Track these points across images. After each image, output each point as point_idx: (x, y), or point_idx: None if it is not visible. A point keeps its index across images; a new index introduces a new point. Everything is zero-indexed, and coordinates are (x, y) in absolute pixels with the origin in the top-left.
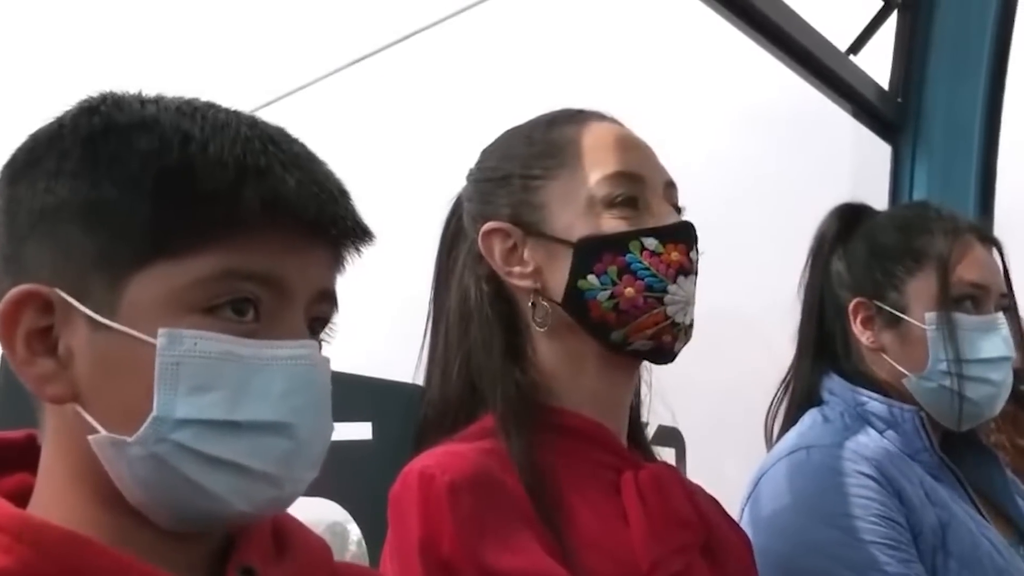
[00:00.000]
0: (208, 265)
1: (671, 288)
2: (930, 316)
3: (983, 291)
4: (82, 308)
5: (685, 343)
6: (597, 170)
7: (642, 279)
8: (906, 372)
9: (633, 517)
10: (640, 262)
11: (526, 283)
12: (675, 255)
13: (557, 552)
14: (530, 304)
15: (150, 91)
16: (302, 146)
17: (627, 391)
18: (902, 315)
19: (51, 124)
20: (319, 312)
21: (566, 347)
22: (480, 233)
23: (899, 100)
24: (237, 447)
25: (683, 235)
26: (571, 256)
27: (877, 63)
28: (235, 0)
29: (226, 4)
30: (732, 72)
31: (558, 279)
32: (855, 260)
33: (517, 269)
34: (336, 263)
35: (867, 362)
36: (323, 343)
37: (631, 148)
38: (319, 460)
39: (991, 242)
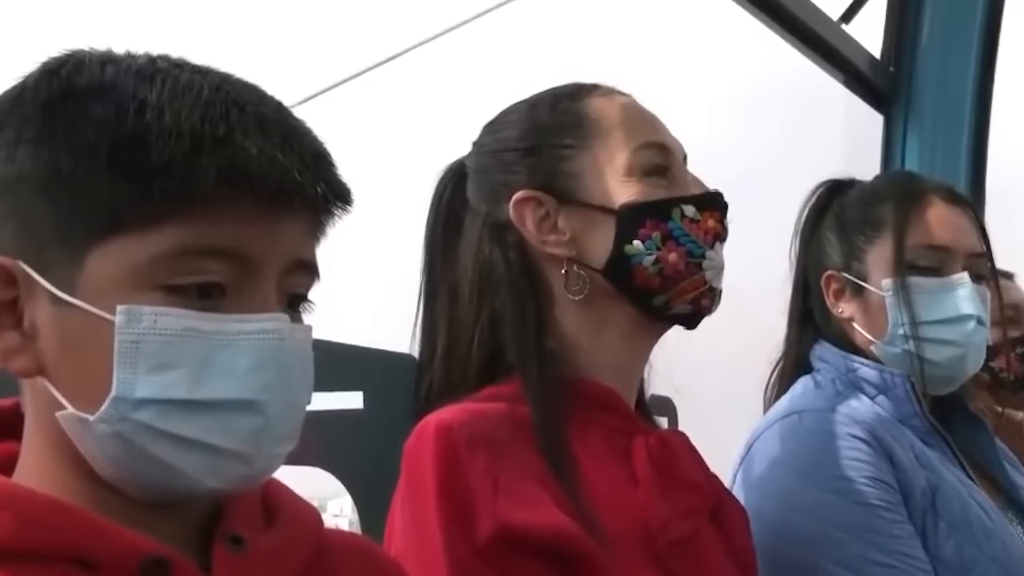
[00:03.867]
0: (166, 241)
1: (709, 254)
2: (886, 282)
3: (944, 253)
4: (43, 282)
5: (717, 307)
6: (633, 140)
7: (683, 245)
8: (873, 340)
9: (643, 480)
10: (681, 229)
11: (561, 251)
12: (711, 222)
13: (571, 512)
14: (563, 272)
15: (119, 48)
16: (274, 107)
17: (644, 359)
18: (864, 284)
19: (15, 87)
20: (296, 283)
21: (594, 315)
22: (512, 202)
23: (891, 69)
24: (203, 425)
25: (717, 203)
26: (613, 223)
27: (869, 32)
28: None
29: (255, 7)
30: (724, 45)
31: (599, 246)
32: (827, 234)
33: (552, 237)
34: (312, 231)
35: (846, 333)
36: (303, 313)
37: (656, 121)
38: (293, 435)
39: (961, 202)
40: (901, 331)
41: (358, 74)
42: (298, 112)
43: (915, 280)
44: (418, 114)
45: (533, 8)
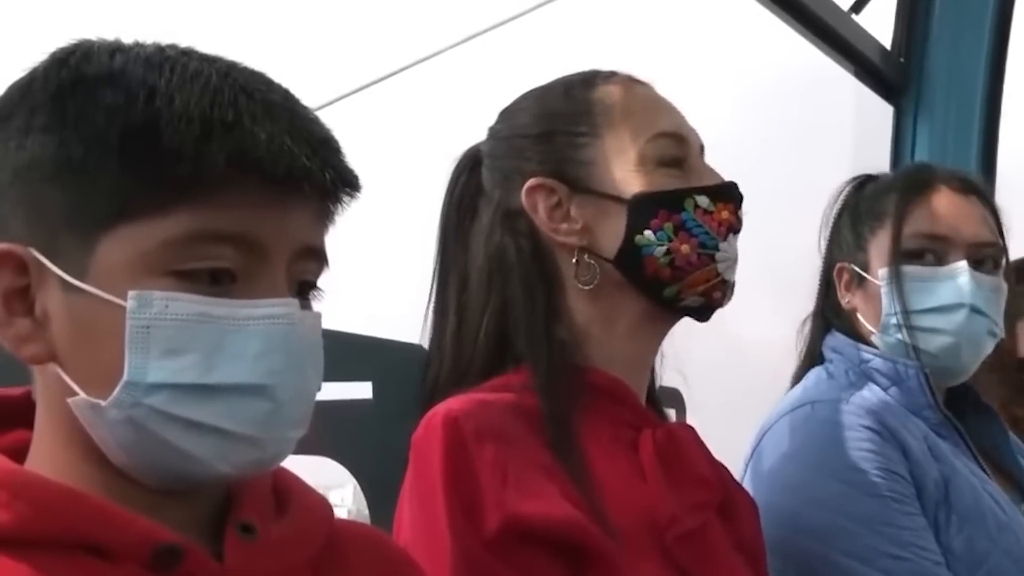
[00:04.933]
0: (176, 226)
1: (722, 246)
2: (882, 272)
3: (942, 242)
4: (54, 268)
5: (729, 300)
6: (647, 129)
7: (696, 236)
8: (872, 330)
9: (651, 474)
10: (694, 220)
11: (572, 240)
12: (725, 214)
13: (579, 504)
14: (574, 261)
15: (127, 38)
16: (282, 94)
17: (654, 351)
18: (864, 274)
19: (24, 77)
20: (304, 270)
21: (604, 305)
22: (524, 189)
23: (901, 60)
24: (214, 410)
25: (731, 195)
26: (625, 213)
27: (880, 23)
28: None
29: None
30: (733, 37)
31: (610, 235)
32: (843, 227)
33: (564, 226)
34: (320, 217)
35: (853, 324)
36: (311, 301)
37: (673, 110)
38: (303, 420)
39: (972, 191)
40: (893, 320)
41: (384, 77)
42: (327, 113)
43: (909, 269)
44: (440, 114)
45: (542, 17)
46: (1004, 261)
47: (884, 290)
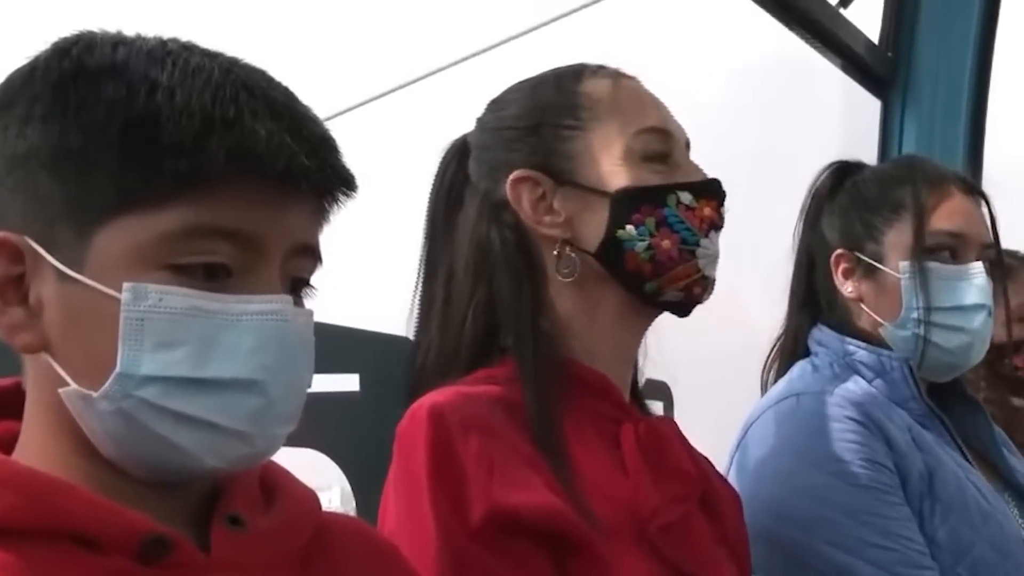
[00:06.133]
0: (173, 220)
1: (703, 242)
2: (904, 265)
3: (960, 240)
4: (49, 258)
5: (709, 296)
6: (633, 124)
7: (677, 232)
8: (882, 321)
9: (632, 467)
10: (676, 215)
11: (555, 232)
12: (707, 211)
13: (562, 495)
14: (555, 254)
15: (129, 30)
16: (283, 91)
17: (636, 345)
18: (879, 265)
19: (25, 66)
20: (299, 267)
21: (586, 298)
22: (509, 181)
23: (889, 54)
24: (206, 404)
25: (714, 191)
26: (608, 207)
27: (867, 17)
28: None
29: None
30: (721, 28)
31: (592, 229)
32: (839, 214)
33: (547, 218)
34: (316, 215)
35: (851, 314)
36: (304, 298)
37: (660, 105)
38: (294, 416)
39: (976, 193)
40: (915, 315)
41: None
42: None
43: (933, 265)
44: (435, 114)
45: (542, 31)
46: (1000, 265)
47: (905, 284)
